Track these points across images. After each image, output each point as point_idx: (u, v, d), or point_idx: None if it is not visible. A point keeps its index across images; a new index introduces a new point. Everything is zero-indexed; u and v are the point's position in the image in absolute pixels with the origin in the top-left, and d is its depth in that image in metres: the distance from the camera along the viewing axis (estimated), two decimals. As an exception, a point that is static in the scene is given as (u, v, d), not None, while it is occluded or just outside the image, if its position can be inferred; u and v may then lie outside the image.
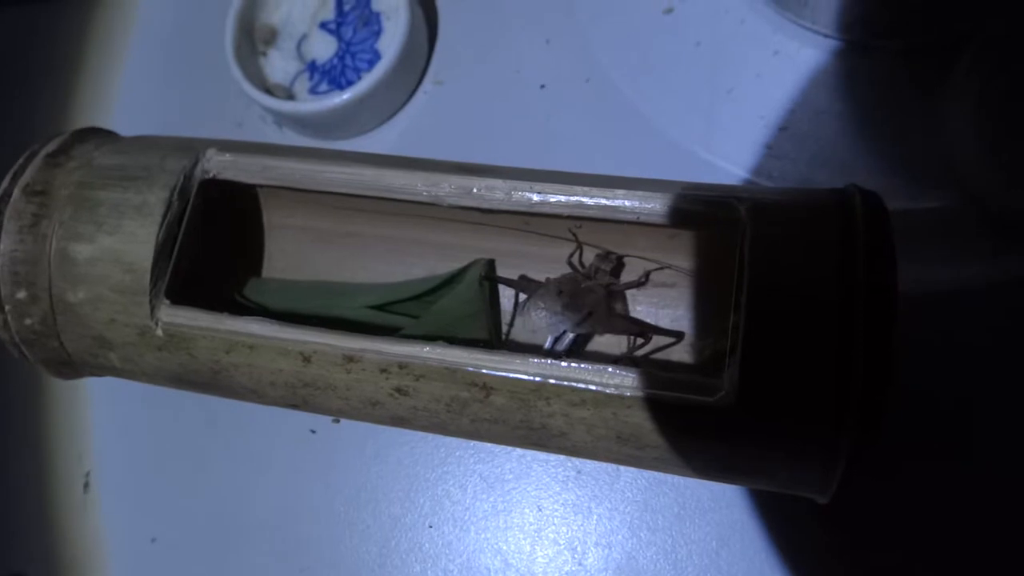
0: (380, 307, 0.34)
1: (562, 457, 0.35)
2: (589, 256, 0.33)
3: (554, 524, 0.35)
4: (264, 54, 0.42)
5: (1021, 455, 0.32)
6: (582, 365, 0.26)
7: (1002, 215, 0.34)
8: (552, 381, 0.26)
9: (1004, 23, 0.35)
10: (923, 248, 0.34)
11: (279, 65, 0.42)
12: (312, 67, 0.41)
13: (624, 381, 0.26)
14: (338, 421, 0.38)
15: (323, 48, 0.42)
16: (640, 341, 0.32)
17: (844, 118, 0.37)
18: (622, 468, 0.35)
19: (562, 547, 0.35)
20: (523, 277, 0.34)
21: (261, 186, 0.32)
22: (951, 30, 0.36)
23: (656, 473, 0.34)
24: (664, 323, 0.33)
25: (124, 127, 0.36)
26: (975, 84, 0.35)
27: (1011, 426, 0.32)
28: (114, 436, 0.41)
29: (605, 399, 0.26)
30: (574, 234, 0.33)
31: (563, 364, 0.26)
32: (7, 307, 0.31)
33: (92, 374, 0.34)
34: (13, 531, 0.41)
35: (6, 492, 0.41)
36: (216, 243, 0.34)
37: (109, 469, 0.40)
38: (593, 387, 0.26)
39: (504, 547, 0.35)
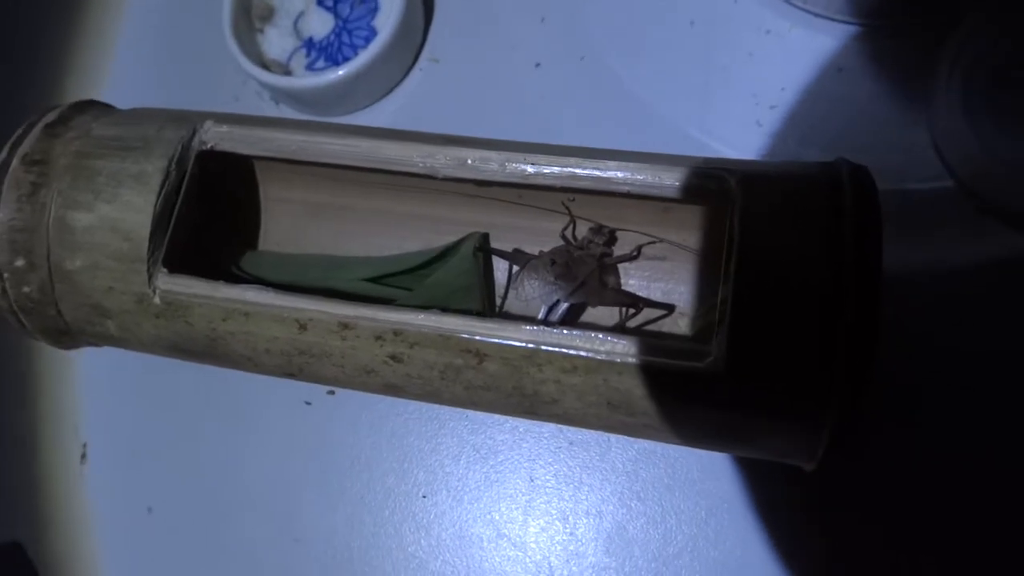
0: (375, 280, 0.35)
1: (554, 428, 0.36)
2: (582, 230, 0.34)
3: (546, 494, 0.36)
4: (261, 31, 0.42)
5: (999, 428, 0.33)
6: (573, 332, 0.27)
7: (986, 197, 0.35)
8: (544, 348, 0.27)
9: (989, 7, 0.36)
10: (909, 227, 0.35)
11: (276, 41, 0.42)
12: (309, 44, 0.42)
13: (615, 348, 0.26)
14: (333, 392, 0.38)
15: (320, 25, 0.42)
16: (632, 312, 0.33)
17: (834, 97, 0.37)
18: (613, 439, 0.35)
19: (554, 517, 0.35)
20: (517, 250, 0.34)
21: (258, 159, 0.32)
22: (940, 12, 0.36)
23: (646, 444, 0.35)
24: (656, 296, 0.34)
25: (121, 102, 0.36)
26: (962, 67, 0.35)
27: (992, 400, 0.33)
28: (111, 407, 0.41)
29: (596, 365, 0.27)
30: (567, 207, 0.34)
31: (555, 331, 0.27)
32: (5, 275, 0.31)
33: (90, 343, 0.34)
34: (11, 502, 0.41)
35: (4, 463, 0.42)
36: (213, 216, 0.35)
37: (106, 440, 0.41)
38: (584, 353, 0.27)
39: (497, 517, 0.36)
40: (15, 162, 0.32)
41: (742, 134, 0.38)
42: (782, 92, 0.38)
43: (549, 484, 0.36)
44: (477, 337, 0.28)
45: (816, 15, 0.38)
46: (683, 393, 0.26)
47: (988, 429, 0.33)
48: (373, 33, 0.41)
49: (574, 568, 0.35)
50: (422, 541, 0.36)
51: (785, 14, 0.38)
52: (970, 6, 0.36)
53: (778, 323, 0.25)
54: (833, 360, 0.25)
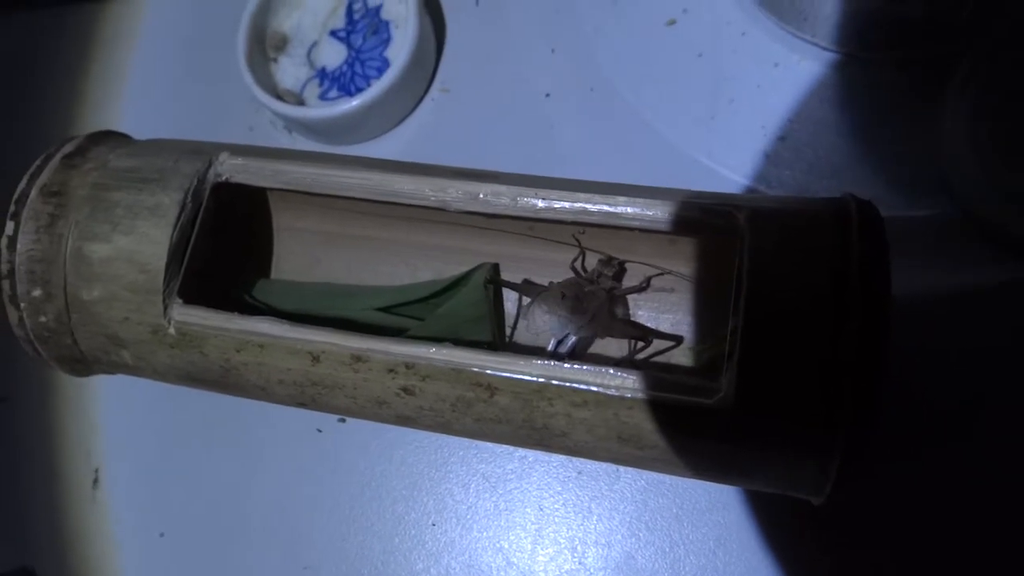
0: (386, 309, 0.35)
1: (563, 458, 0.36)
2: (592, 261, 0.34)
3: (555, 523, 0.36)
4: (275, 60, 0.43)
5: (1008, 454, 0.33)
6: (584, 367, 0.27)
7: (993, 226, 0.35)
8: (555, 382, 0.27)
9: (996, 41, 0.36)
10: (916, 256, 0.35)
11: (290, 71, 0.42)
12: (322, 74, 0.42)
13: (625, 383, 0.27)
14: (344, 420, 0.38)
15: (333, 55, 0.42)
16: (641, 344, 0.33)
17: (842, 129, 0.37)
18: (622, 469, 0.36)
19: (562, 546, 0.35)
20: (527, 281, 0.35)
21: (271, 189, 0.33)
22: (946, 44, 0.37)
23: (655, 474, 0.35)
24: (664, 327, 0.34)
25: (138, 132, 0.36)
26: (969, 99, 0.35)
27: (1001, 429, 0.33)
28: (124, 433, 0.41)
29: (606, 400, 0.27)
30: (577, 239, 0.34)
31: (565, 366, 0.27)
32: (23, 304, 0.32)
33: (104, 372, 0.35)
34: (23, 526, 0.41)
35: (17, 487, 0.42)
36: (227, 245, 0.35)
37: (118, 465, 0.41)
38: (594, 388, 0.27)
39: (506, 545, 0.36)
40: (34, 193, 0.32)
41: (750, 164, 0.38)
42: (790, 123, 0.38)
43: (558, 513, 0.36)
44: (488, 371, 0.28)
45: (824, 48, 0.38)
46: (693, 428, 0.27)
47: (997, 456, 0.33)
48: (385, 64, 0.41)
49: (583, 597, 0.35)
50: (431, 569, 0.36)
51: (793, 47, 0.39)
52: (976, 38, 0.36)
53: (787, 359, 0.25)
54: (841, 396, 0.25)
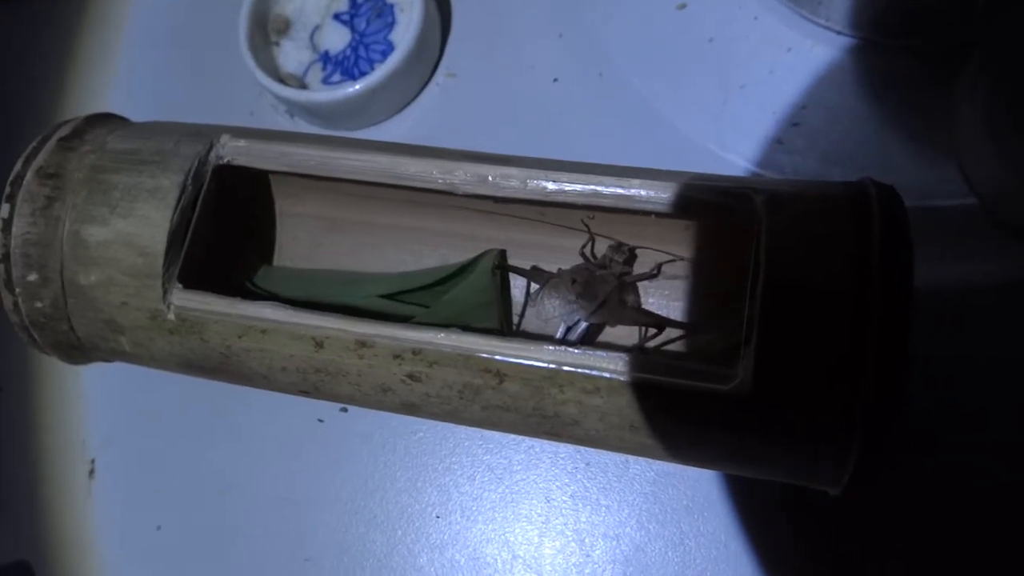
0: (391, 296, 0.34)
1: (571, 448, 0.35)
2: (601, 247, 0.33)
3: (562, 515, 0.35)
4: (277, 44, 0.42)
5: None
6: (597, 352, 0.26)
7: (1009, 215, 0.34)
8: (566, 368, 0.26)
9: (1010, 28, 0.35)
10: (934, 246, 0.34)
11: (292, 55, 0.42)
12: (325, 57, 0.42)
13: (639, 368, 0.26)
14: (346, 410, 0.38)
15: (336, 39, 0.42)
16: (651, 332, 0.32)
17: (856, 115, 0.37)
18: (631, 460, 0.35)
19: (570, 538, 0.35)
20: (535, 267, 0.34)
21: (274, 173, 0.32)
22: (963, 30, 0.36)
23: (665, 465, 0.34)
24: (676, 315, 0.33)
25: (137, 116, 0.36)
26: (984, 87, 0.35)
27: (1015, 423, 0.32)
28: (119, 423, 0.41)
29: (619, 387, 0.26)
30: (587, 225, 0.33)
31: (577, 351, 0.26)
32: (18, 290, 0.31)
33: (101, 359, 0.34)
34: (18, 518, 0.40)
35: (11, 479, 0.41)
36: (228, 230, 0.34)
37: (114, 456, 0.40)
38: (607, 375, 0.26)
39: (512, 538, 0.35)
40: (29, 175, 0.31)
41: (763, 151, 0.37)
42: (803, 110, 0.37)
43: (566, 505, 0.35)
44: (498, 357, 0.27)
45: (838, 33, 0.37)
46: (708, 416, 0.26)
47: (1017, 448, 0.32)
48: (390, 47, 0.41)
49: (590, 592, 0.34)
50: (436, 562, 0.36)
51: (806, 32, 0.38)
52: (993, 24, 0.35)
53: (805, 346, 0.25)
54: (862, 382, 0.24)
